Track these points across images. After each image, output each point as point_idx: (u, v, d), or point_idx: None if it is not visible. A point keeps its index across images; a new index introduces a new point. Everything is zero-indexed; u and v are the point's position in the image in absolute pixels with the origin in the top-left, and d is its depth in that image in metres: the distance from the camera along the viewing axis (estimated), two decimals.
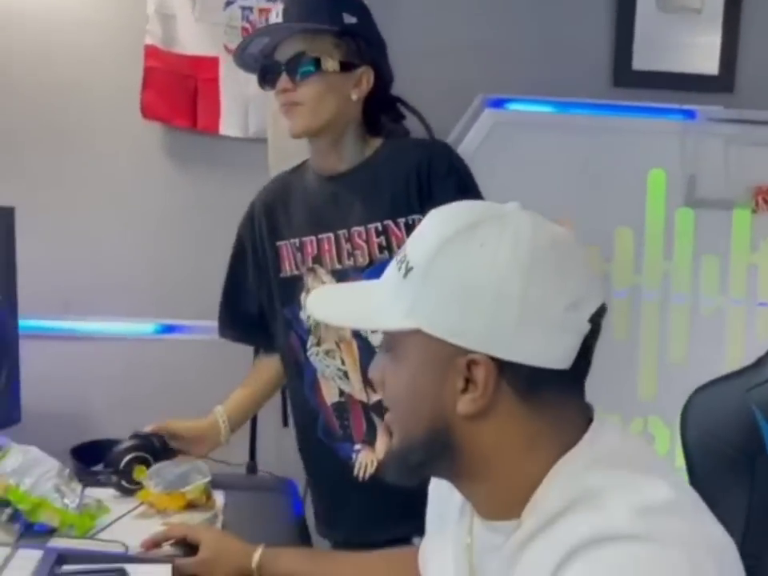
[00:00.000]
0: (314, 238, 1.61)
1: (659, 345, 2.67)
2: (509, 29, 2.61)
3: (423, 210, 1.46)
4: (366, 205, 1.58)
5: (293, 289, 1.64)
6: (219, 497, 1.63)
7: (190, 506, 1.56)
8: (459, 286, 0.83)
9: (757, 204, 2.70)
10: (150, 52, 2.43)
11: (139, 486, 1.58)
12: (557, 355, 0.84)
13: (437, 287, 0.84)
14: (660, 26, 2.61)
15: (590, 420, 0.89)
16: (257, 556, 1.29)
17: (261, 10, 2.47)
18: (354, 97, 1.57)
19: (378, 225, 1.55)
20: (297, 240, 1.63)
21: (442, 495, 1.00)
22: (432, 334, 0.84)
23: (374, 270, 1.54)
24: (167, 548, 1.34)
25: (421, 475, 0.93)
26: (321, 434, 1.65)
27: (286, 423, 2.34)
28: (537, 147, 2.52)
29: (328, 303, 0.96)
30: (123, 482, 1.61)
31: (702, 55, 2.70)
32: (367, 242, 1.56)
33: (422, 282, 0.85)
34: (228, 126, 2.48)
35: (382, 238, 1.55)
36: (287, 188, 1.70)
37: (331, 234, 1.59)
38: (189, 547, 1.33)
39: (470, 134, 2.59)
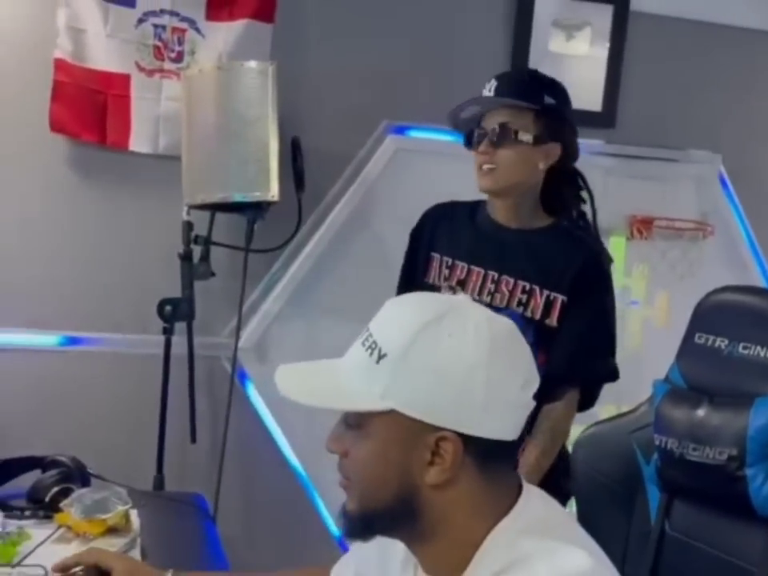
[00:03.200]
0: (466, 265, 1.89)
1: None
2: (414, 57, 2.70)
3: (568, 295, 1.82)
4: (525, 264, 1.85)
5: None
6: (134, 518, 1.68)
7: (110, 530, 1.62)
8: (433, 372, 0.95)
9: (631, 232, 2.94)
10: (60, 65, 2.38)
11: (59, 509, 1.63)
12: (511, 429, 0.99)
13: (412, 373, 0.96)
14: (549, 63, 2.79)
15: (519, 486, 1.04)
16: None
17: (174, 29, 2.46)
18: (541, 166, 1.84)
19: (527, 285, 1.84)
20: (450, 259, 1.90)
21: (384, 543, 1.09)
22: (407, 414, 0.96)
23: (504, 312, 1.73)
24: (78, 573, 1.37)
25: (378, 535, 1.05)
26: None
27: (194, 440, 2.40)
28: (436, 173, 2.64)
29: (297, 380, 1.04)
30: (48, 512, 1.65)
31: (588, 93, 2.90)
32: (511, 292, 1.85)
33: (397, 368, 0.96)
34: (138, 142, 2.46)
35: (525, 296, 1.84)
36: (456, 213, 1.96)
37: (482, 270, 1.87)
38: (101, 574, 1.36)
39: (373, 158, 2.70)
